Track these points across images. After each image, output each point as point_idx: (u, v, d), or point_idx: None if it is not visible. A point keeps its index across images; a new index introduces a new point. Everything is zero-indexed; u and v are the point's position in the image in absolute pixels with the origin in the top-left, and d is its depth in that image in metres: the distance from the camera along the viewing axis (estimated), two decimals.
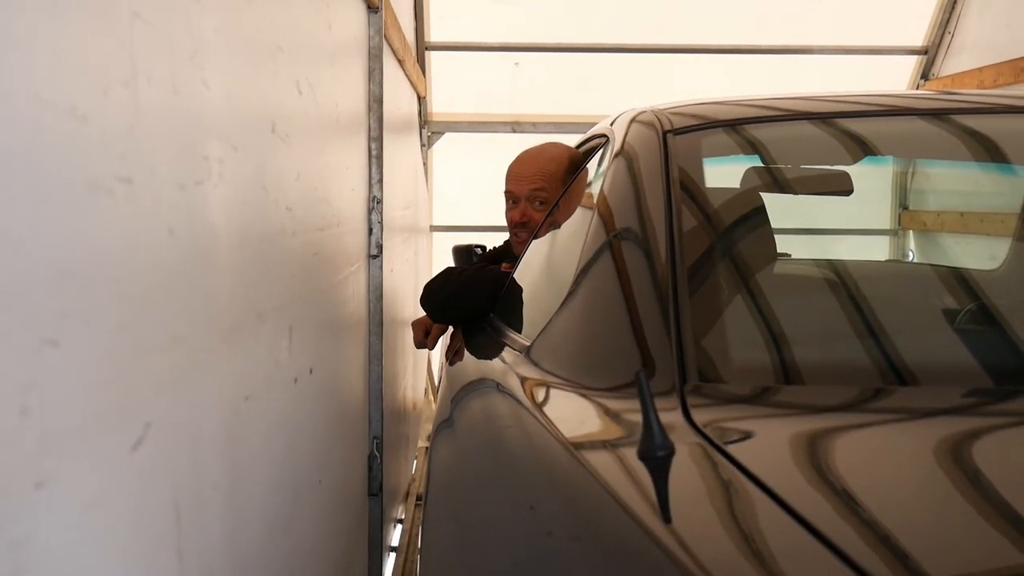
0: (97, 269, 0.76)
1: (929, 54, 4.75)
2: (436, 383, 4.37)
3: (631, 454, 0.84)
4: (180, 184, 0.96)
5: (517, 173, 2.44)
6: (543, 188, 2.36)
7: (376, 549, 2.68)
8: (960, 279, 1.55)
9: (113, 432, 0.80)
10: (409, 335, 2.72)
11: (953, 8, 4.56)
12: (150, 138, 0.87)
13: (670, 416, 0.92)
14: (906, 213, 3.78)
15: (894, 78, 4.92)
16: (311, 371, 1.68)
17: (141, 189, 0.85)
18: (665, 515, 0.74)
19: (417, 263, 4.32)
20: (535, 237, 2.09)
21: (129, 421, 0.83)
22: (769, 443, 0.91)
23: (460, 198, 5.33)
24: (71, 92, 0.72)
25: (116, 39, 0.80)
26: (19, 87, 0.64)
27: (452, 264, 3.06)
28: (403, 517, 3.71)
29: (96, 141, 0.76)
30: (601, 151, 1.77)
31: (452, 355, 2.13)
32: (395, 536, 3.52)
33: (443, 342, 2.60)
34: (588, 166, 1.95)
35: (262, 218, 1.32)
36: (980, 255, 2.96)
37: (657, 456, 0.79)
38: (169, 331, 0.93)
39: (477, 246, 3.09)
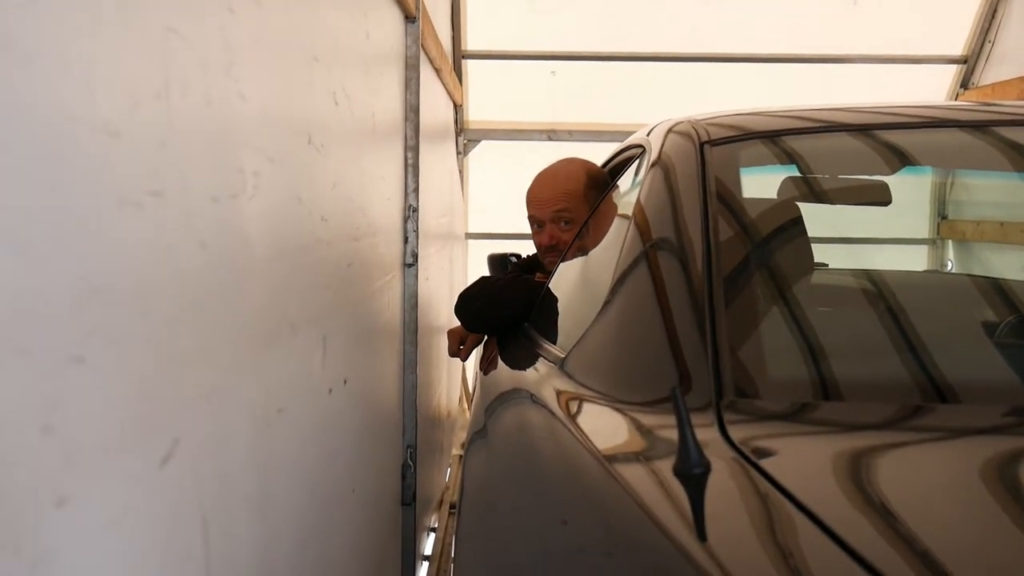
0: (126, 284, 0.76)
1: (969, 63, 4.71)
2: (470, 391, 4.37)
3: (667, 470, 0.83)
4: (214, 197, 0.96)
5: (537, 197, 2.43)
6: (566, 208, 2.35)
7: (409, 558, 2.68)
8: (1001, 290, 1.53)
9: (140, 448, 0.80)
10: (444, 343, 2.73)
11: (993, 17, 4.51)
12: (183, 152, 0.88)
13: (706, 432, 0.91)
14: (945, 223, 3.75)
15: (933, 87, 4.87)
16: (345, 381, 1.68)
17: (172, 203, 0.85)
18: (700, 533, 0.73)
19: (452, 271, 4.32)
20: (563, 260, 2.08)
21: (157, 437, 0.83)
22: (806, 461, 0.89)
23: (496, 206, 5.33)
24: (103, 108, 0.72)
25: (149, 54, 0.80)
26: (50, 103, 0.64)
27: (487, 272, 3.07)
28: (436, 526, 3.71)
29: (127, 155, 0.76)
30: (637, 161, 1.76)
31: (486, 364, 2.13)
32: (428, 545, 3.52)
33: (477, 351, 2.60)
34: (624, 176, 1.94)
35: (297, 229, 1.33)
36: (1019, 266, 2.92)
37: (693, 473, 0.78)
38: (200, 344, 0.93)
39: (512, 255, 3.09)
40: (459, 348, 2.60)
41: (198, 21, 0.92)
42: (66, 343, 0.66)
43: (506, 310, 2.21)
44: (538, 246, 2.48)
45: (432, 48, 3.13)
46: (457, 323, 2.56)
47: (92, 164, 0.70)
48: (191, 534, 0.93)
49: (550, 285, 2.06)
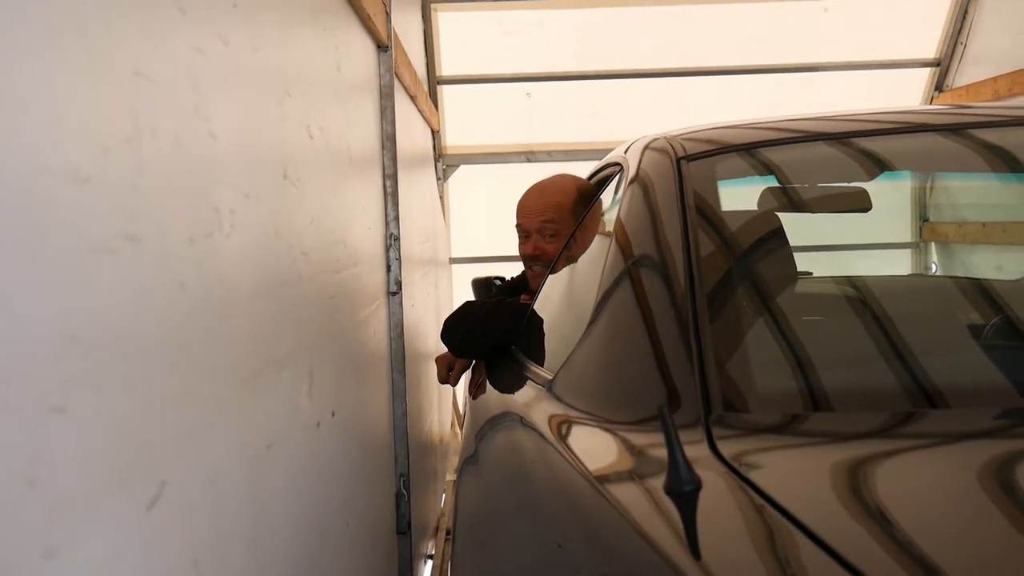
0: (103, 331, 0.75)
1: (942, 66, 4.75)
2: (462, 415, 4.36)
3: (658, 489, 0.82)
4: (190, 237, 0.95)
5: (527, 207, 2.44)
6: (553, 220, 2.35)
7: None
8: (986, 291, 1.53)
9: (126, 494, 0.79)
10: (433, 370, 2.72)
11: (964, 18, 4.55)
12: (156, 194, 0.87)
13: (696, 449, 0.91)
14: (927, 226, 3.76)
15: (908, 91, 4.91)
16: (333, 414, 1.67)
17: (148, 246, 0.85)
18: (694, 551, 0.73)
19: (438, 296, 4.32)
20: (552, 272, 2.08)
21: (143, 481, 0.82)
22: (798, 474, 0.89)
23: (478, 229, 5.34)
24: (72, 155, 0.71)
25: (117, 98, 0.80)
26: (17, 152, 0.64)
27: (472, 296, 3.06)
28: (433, 553, 3.69)
29: (99, 202, 0.75)
30: (616, 180, 1.76)
31: (475, 389, 2.12)
32: (426, 572, 3.51)
33: (467, 376, 2.59)
34: (603, 195, 1.94)
35: (277, 265, 1.32)
36: (1003, 265, 2.93)
37: (684, 490, 0.78)
38: (183, 386, 0.92)
39: (496, 278, 3.08)
40: (448, 374, 2.59)
41: (166, 63, 0.92)
42: (46, 394, 0.66)
43: (492, 334, 2.20)
44: (523, 255, 2.49)
45: (406, 76, 3.13)
46: (445, 349, 2.56)
47: (63, 212, 0.70)
48: (181, 575, 0.92)
49: (535, 307, 2.06)
